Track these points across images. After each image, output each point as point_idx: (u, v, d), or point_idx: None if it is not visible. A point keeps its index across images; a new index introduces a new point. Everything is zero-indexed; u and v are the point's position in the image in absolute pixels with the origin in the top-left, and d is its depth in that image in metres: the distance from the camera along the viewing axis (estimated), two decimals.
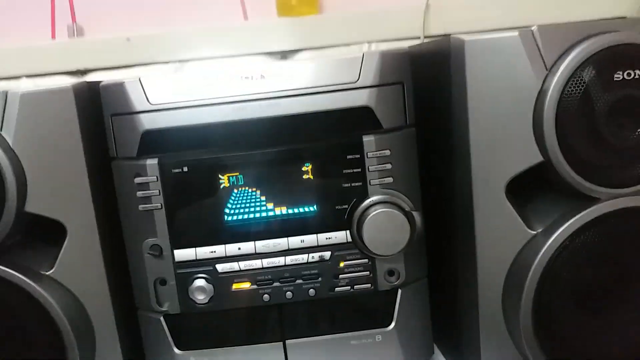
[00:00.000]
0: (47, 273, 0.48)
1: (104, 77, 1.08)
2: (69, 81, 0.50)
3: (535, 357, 0.46)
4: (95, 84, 0.50)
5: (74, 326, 0.47)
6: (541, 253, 0.44)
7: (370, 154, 0.48)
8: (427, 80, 0.51)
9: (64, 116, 0.47)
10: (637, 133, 0.43)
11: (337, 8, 1.16)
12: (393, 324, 0.51)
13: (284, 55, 1.10)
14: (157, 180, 0.47)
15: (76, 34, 1.14)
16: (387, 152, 0.48)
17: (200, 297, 0.48)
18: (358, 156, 0.48)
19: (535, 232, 0.46)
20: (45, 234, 0.49)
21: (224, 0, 1.14)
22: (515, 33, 0.44)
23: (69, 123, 0.47)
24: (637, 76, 0.42)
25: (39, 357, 0.48)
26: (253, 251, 0.48)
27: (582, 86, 0.42)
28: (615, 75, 0.42)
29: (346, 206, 0.48)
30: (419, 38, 1.07)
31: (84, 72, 1.10)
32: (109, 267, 0.49)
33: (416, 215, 0.47)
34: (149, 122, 0.47)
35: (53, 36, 1.15)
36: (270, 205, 0.48)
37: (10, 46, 1.09)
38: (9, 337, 0.49)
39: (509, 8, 1.09)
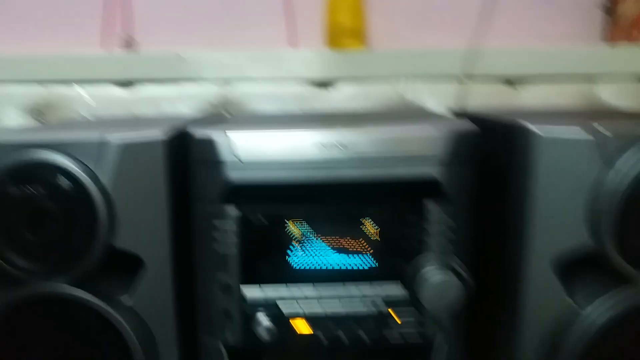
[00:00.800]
0: (125, 302, 0.52)
1: (153, 90, 1.11)
2: (159, 133, 0.51)
3: None
4: (185, 133, 0.53)
5: (145, 350, 0.51)
6: (584, 326, 0.47)
7: (432, 219, 0.50)
8: (492, 154, 0.54)
9: (153, 161, 0.50)
10: None
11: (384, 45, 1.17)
12: None
13: (327, 85, 1.12)
14: (235, 226, 0.50)
15: (128, 46, 1.16)
16: (450, 221, 0.50)
17: (265, 335, 0.51)
18: (420, 219, 0.50)
19: (579, 308, 0.48)
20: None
21: (273, 26, 1.16)
22: (586, 136, 0.45)
23: (157, 168, 0.50)
24: None
25: None
26: (315, 295, 0.51)
27: None
28: None
29: (406, 263, 0.50)
30: (457, 79, 1.09)
31: (132, 83, 1.12)
32: (176, 300, 0.53)
33: (470, 281, 0.49)
34: (235, 174, 0.50)
35: (103, 46, 1.17)
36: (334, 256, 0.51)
37: (63, 53, 1.12)
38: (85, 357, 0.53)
39: (542, 62, 1.11)
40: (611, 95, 1.14)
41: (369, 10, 1.16)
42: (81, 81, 1.12)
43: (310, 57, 1.12)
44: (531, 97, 1.13)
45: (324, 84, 1.13)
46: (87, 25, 1.16)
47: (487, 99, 1.12)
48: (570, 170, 0.46)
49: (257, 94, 1.13)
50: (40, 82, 1.13)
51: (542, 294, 0.49)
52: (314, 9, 1.14)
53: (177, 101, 1.13)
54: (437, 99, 1.11)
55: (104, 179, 0.49)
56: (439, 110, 1.09)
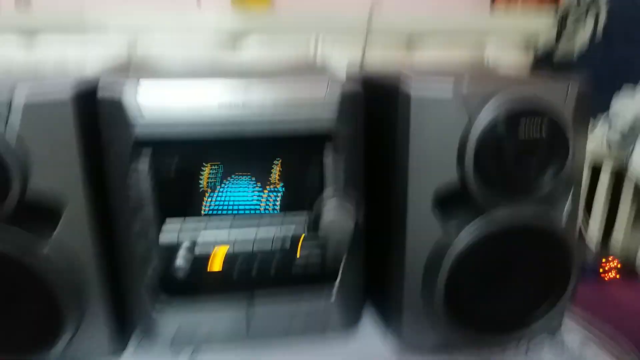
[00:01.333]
0: (43, 250, 0.53)
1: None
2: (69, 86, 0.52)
3: (444, 319, 0.58)
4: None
5: (67, 291, 0.54)
6: (453, 252, 0.55)
7: (327, 165, 0.56)
8: (375, 107, 0.60)
9: (62, 125, 0.51)
10: (528, 168, 0.54)
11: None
12: (333, 297, 0.61)
13: (235, 45, 1.14)
14: (147, 170, 0.53)
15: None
16: (340, 165, 0.57)
17: (181, 273, 0.55)
18: (319, 165, 0.56)
19: (450, 233, 0.56)
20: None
21: None
22: (450, 93, 0.53)
23: (67, 131, 0.51)
24: (533, 128, 0.53)
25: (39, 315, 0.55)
26: (227, 237, 0.56)
27: (495, 131, 0.52)
28: (519, 127, 0.52)
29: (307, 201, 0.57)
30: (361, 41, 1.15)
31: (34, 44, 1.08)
32: (97, 238, 0.55)
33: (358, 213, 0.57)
34: (142, 131, 0.52)
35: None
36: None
37: None
38: (9, 302, 0.54)
39: (435, 27, 1.20)
40: (494, 58, 1.26)
41: None
42: None
43: (218, 17, 1.13)
44: (424, 60, 1.22)
45: (232, 43, 1.15)
46: None
47: (386, 58, 1.19)
48: (443, 123, 0.53)
49: (165, 56, 1.13)
50: None
51: (422, 226, 0.56)
52: None
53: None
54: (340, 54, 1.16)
55: (12, 135, 0.50)
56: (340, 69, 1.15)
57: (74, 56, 1.09)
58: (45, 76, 0.61)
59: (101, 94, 0.53)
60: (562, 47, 1.19)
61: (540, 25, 1.23)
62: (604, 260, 0.86)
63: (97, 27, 1.10)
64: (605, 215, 1.06)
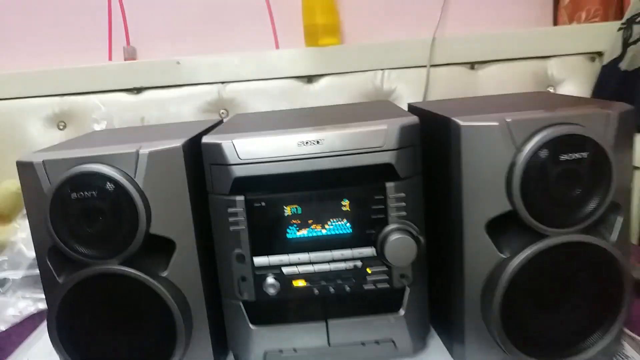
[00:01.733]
0: (163, 275, 0.65)
1: (156, 95, 1.23)
2: (180, 139, 0.65)
3: (502, 340, 0.61)
4: (201, 137, 0.66)
5: (181, 311, 0.64)
6: (507, 270, 0.59)
7: (390, 195, 0.64)
8: (432, 139, 0.67)
9: (175, 165, 0.63)
10: (574, 193, 0.59)
11: (357, 39, 1.30)
12: (402, 311, 0.67)
13: (309, 79, 1.25)
14: (243, 210, 0.64)
15: (130, 56, 1.29)
16: (402, 194, 0.64)
17: (271, 290, 0.65)
18: (382, 197, 0.64)
19: (504, 256, 0.61)
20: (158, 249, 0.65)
21: (258, 30, 1.29)
22: (496, 122, 0.59)
23: (179, 170, 0.63)
24: (576, 156, 0.58)
25: (157, 332, 0.65)
26: (308, 260, 0.65)
27: (539, 162, 0.58)
28: (561, 156, 0.58)
29: (373, 231, 0.65)
30: (425, 67, 1.23)
31: (139, 90, 1.26)
32: (202, 270, 0.66)
33: (421, 239, 0.64)
34: (239, 171, 0.63)
35: (110, 58, 1.30)
36: (319, 228, 0.65)
37: (74, 66, 1.24)
38: (135, 319, 0.66)
39: (500, 43, 1.25)
40: (559, 71, 1.28)
41: (341, 8, 1.29)
42: (94, 92, 1.25)
43: (293, 55, 1.25)
44: (489, 77, 1.27)
45: (306, 78, 1.26)
46: (95, 41, 1.29)
47: (451, 81, 1.26)
48: (491, 154, 0.59)
49: (249, 91, 1.26)
50: (59, 94, 1.26)
51: (479, 250, 0.62)
52: (292, 12, 1.26)
53: (179, 102, 1.26)
54: (406, 85, 1.25)
55: (140, 182, 0.62)
56: (405, 95, 1.23)
57: (174, 110, 1.24)
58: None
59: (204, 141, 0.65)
60: (629, 55, 1.19)
61: (605, 35, 1.24)
62: None
63: (190, 78, 1.23)
64: None
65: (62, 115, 1.26)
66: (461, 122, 0.60)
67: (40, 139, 1.24)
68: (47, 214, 0.62)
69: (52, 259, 0.65)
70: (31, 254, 1.02)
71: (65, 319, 0.65)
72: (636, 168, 1.07)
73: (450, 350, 0.70)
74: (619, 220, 0.63)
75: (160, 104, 1.25)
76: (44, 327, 0.87)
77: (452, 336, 0.68)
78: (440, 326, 0.74)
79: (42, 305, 0.97)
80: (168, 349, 0.65)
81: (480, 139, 0.60)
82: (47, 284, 0.66)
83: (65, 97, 1.26)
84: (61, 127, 1.26)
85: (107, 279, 0.63)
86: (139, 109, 1.25)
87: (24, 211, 1.05)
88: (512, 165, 0.59)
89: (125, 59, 1.30)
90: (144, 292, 0.63)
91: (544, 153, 0.58)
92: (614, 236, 0.63)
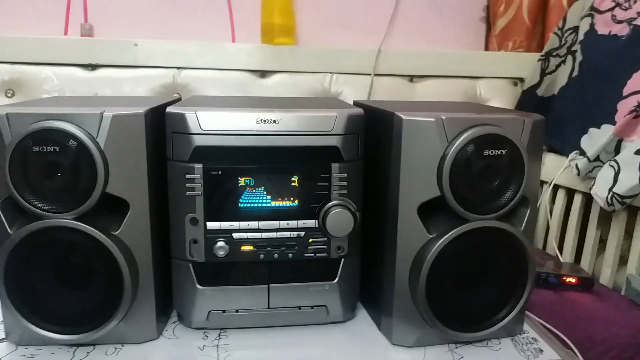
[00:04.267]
0: (115, 233, 0.66)
1: (111, 74, 1.23)
2: (142, 107, 0.66)
3: (427, 314, 0.67)
4: (162, 108, 0.68)
5: (129, 269, 0.65)
6: (433, 249, 0.65)
7: (334, 175, 0.69)
8: (376, 132, 0.72)
9: (136, 130, 0.65)
10: (493, 185, 0.66)
11: (310, 42, 1.35)
12: (337, 279, 0.73)
13: (263, 74, 1.29)
14: (200, 177, 0.67)
15: (87, 34, 1.28)
16: (345, 175, 0.70)
17: (221, 253, 0.68)
18: (327, 175, 0.69)
19: (431, 236, 0.67)
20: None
21: (216, 21, 1.31)
22: (433, 119, 0.65)
23: (139, 135, 0.65)
24: (496, 153, 0.65)
25: (105, 288, 0.66)
26: (257, 227, 0.69)
27: (466, 155, 0.65)
28: (484, 151, 0.65)
29: (317, 205, 0.70)
30: (369, 74, 1.30)
31: (94, 67, 1.24)
32: (153, 231, 0.67)
33: (358, 215, 0.69)
34: (199, 140, 0.66)
35: (66, 33, 1.28)
36: (269, 199, 0.69)
37: (32, 37, 1.21)
38: (84, 274, 0.66)
39: (438, 61, 1.34)
40: (486, 91, 1.39)
41: (298, 11, 1.34)
42: (48, 64, 1.22)
43: (249, 50, 1.28)
44: (425, 89, 1.36)
45: (260, 73, 1.30)
46: (52, 15, 1.26)
47: (391, 89, 1.33)
48: (426, 146, 0.65)
49: (203, 79, 1.28)
50: (10, 62, 1.22)
51: (410, 230, 0.67)
52: (250, 8, 1.30)
53: (133, 83, 1.26)
54: (352, 89, 1.32)
55: (101, 143, 0.63)
56: (350, 97, 1.28)
57: (128, 89, 1.24)
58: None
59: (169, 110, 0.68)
60: (545, 83, 1.32)
61: (527, 64, 1.36)
62: (564, 275, 0.96)
63: (147, 60, 1.24)
64: (577, 237, 1.16)
65: (10, 83, 1.22)
66: (403, 116, 0.67)
67: None
68: (5, 164, 0.62)
69: (5, 211, 0.65)
70: None
71: (13, 271, 0.64)
72: (542, 182, 1.19)
73: (378, 322, 0.76)
74: (528, 212, 0.71)
75: (114, 82, 1.24)
76: None
77: (380, 308, 0.74)
78: (368, 299, 0.80)
79: None
80: (113, 306, 0.66)
81: (418, 132, 0.66)
82: None
83: (16, 66, 1.22)
84: (9, 95, 1.22)
85: (59, 233, 0.64)
86: (92, 85, 1.23)
87: None
88: (444, 156, 0.66)
89: (81, 36, 1.28)
90: (94, 249, 0.64)
91: (470, 148, 0.65)
92: (522, 226, 0.71)
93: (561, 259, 1.14)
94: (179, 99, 0.88)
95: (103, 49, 1.24)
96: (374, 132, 0.73)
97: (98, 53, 1.23)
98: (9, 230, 0.65)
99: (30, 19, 1.26)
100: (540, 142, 0.70)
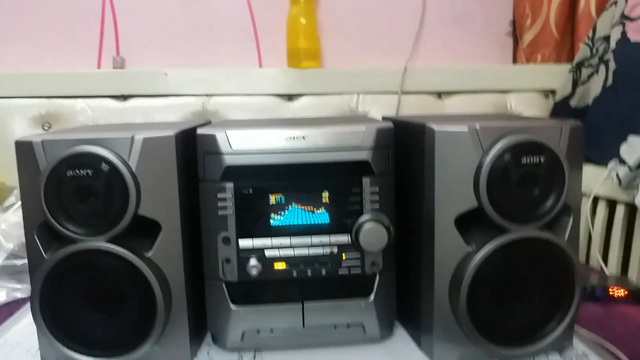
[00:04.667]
0: (147, 255, 0.65)
1: (143, 103, 1.25)
2: (171, 132, 0.66)
3: (469, 330, 0.64)
4: (192, 130, 0.68)
5: (162, 291, 0.64)
6: (474, 262, 0.63)
7: (366, 189, 0.68)
8: (407, 145, 0.71)
9: (167, 152, 0.65)
10: (533, 193, 0.64)
11: (336, 64, 1.35)
12: (372, 296, 0.70)
13: (290, 97, 1.29)
14: (232, 196, 0.66)
15: (119, 66, 1.31)
16: (376, 189, 0.68)
17: (254, 272, 0.67)
18: (359, 190, 0.68)
19: (470, 249, 0.65)
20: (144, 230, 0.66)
21: (243, 48, 1.33)
22: (466, 128, 0.63)
23: (170, 157, 0.65)
24: (535, 160, 0.63)
25: (138, 311, 0.65)
26: (289, 244, 0.68)
27: (503, 164, 0.62)
28: (522, 159, 0.63)
29: (349, 220, 0.68)
30: (396, 93, 1.29)
31: (126, 97, 1.27)
32: (185, 253, 0.67)
33: (391, 229, 0.67)
34: (230, 160, 0.66)
35: (99, 66, 1.31)
36: (301, 216, 0.68)
37: (62, 71, 1.25)
38: (117, 297, 0.65)
39: (465, 76, 1.32)
40: (517, 104, 1.36)
41: (322, 35, 1.34)
42: (82, 96, 1.26)
43: (276, 75, 1.29)
44: (454, 106, 1.34)
45: (287, 97, 1.30)
46: (85, 48, 1.30)
47: (419, 107, 1.32)
48: (460, 156, 0.63)
49: (232, 105, 1.29)
50: (46, 97, 1.26)
51: (448, 243, 0.65)
52: (276, 34, 1.32)
53: (164, 111, 1.28)
54: (379, 109, 1.31)
55: (133, 165, 0.63)
56: (378, 117, 1.27)
57: (159, 118, 1.26)
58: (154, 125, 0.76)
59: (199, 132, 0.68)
60: (578, 94, 1.28)
61: (558, 75, 1.33)
62: (611, 288, 0.91)
63: (176, 89, 1.26)
64: (622, 249, 1.10)
65: (47, 117, 1.26)
66: (435, 128, 0.65)
67: None
68: (41, 190, 0.63)
69: (40, 236, 0.66)
70: (9, 245, 1.00)
71: (49, 295, 0.64)
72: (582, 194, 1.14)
73: (418, 340, 0.73)
74: (571, 222, 0.68)
75: (145, 111, 1.26)
76: (22, 311, 0.86)
77: (419, 326, 0.71)
78: (405, 317, 0.77)
79: (19, 295, 0.95)
80: (146, 329, 0.65)
81: (451, 143, 0.64)
82: (33, 260, 0.66)
83: (53, 100, 1.26)
84: (46, 128, 1.26)
85: (93, 256, 0.64)
86: (124, 115, 1.26)
87: (4, 204, 1.04)
88: (479, 166, 0.63)
89: (114, 68, 1.31)
90: (127, 271, 0.64)
91: (507, 156, 0.63)
92: (566, 236, 0.68)
93: (606, 272, 1.09)
94: (208, 122, 0.89)
95: (134, 80, 1.26)
96: (405, 145, 0.71)
97: (129, 84, 1.26)
98: (44, 255, 0.65)
99: (64, 53, 1.30)
100: (579, 148, 0.67)
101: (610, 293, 0.91)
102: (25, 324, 0.80)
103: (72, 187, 0.63)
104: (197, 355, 0.72)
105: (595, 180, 1.12)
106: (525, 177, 0.63)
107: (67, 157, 0.63)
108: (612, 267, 1.10)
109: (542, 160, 0.63)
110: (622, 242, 1.10)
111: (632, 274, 1.07)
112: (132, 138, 0.64)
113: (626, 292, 0.90)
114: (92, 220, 0.63)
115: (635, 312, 0.87)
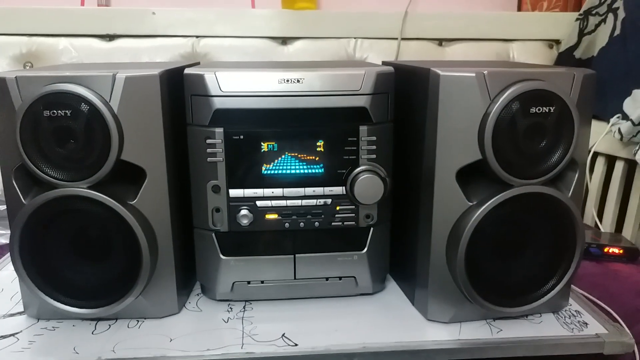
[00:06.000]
0: (131, 202, 0.62)
1: (129, 44, 1.18)
2: (158, 69, 0.61)
3: (465, 287, 0.61)
4: (179, 70, 0.63)
5: (147, 239, 0.61)
6: (474, 217, 0.59)
7: (362, 138, 0.64)
8: (408, 92, 0.66)
9: (151, 93, 0.60)
10: (540, 146, 0.60)
11: (333, 6, 1.27)
12: (365, 249, 0.68)
13: (284, 41, 1.22)
14: (222, 142, 0.62)
15: (105, 3, 1.23)
16: (374, 138, 0.64)
17: (244, 222, 0.64)
18: (355, 139, 0.63)
19: (471, 204, 0.61)
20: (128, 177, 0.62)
21: None
22: (473, 74, 0.58)
23: (154, 98, 0.60)
24: (544, 110, 0.58)
25: (122, 260, 0.62)
26: (281, 194, 0.64)
27: (511, 113, 0.58)
28: (531, 109, 0.58)
29: (345, 170, 0.64)
30: (396, 39, 1.23)
31: (112, 37, 1.19)
32: (172, 200, 0.63)
33: (388, 180, 0.64)
34: (219, 103, 0.61)
35: (82, 3, 1.23)
36: (294, 165, 0.64)
37: (48, 7, 1.17)
38: (100, 246, 0.63)
39: (468, 23, 1.26)
40: (520, 54, 1.30)
41: None
42: (65, 35, 1.18)
43: (270, 16, 1.22)
44: (455, 53, 1.28)
45: (281, 40, 1.23)
46: None
47: (419, 54, 1.26)
48: (466, 104, 0.59)
49: (223, 47, 1.23)
50: (27, 34, 1.18)
51: (448, 197, 0.61)
52: None
53: (152, 53, 1.21)
54: (377, 55, 1.24)
55: (114, 106, 0.58)
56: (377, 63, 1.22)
57: (146, 59, 1.19)
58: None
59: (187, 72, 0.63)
60: (583, 45, 1.23)
61: (564, 24, 1.27)
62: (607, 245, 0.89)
63: (165, 29, 1.18)
64: (618, 206, 1.08)
65: (28, 56, 1.19)
66: (440, 72, 0.60)
67: None
68: (17, 130, 0.58)
69: (18, 181, 0.61)
70: None
71: (29, 242, 0.61)
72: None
73: (411, 296, 0.70)
74: (576, 177, 0.64)
75: (132, 52, 1.19)
76: (6, 257, 0.82)
77: (414, 282, 0.68)
78: (399, 272, 0.75)
79: (3, 240, 0.91)
80: (131, 279, 0.62)
81: (457, 89, 0.59)
82: (12, 206, 0.61)
83: (34, 38, 1.18)
84: (27, 67, 1.19)
85: (74, 203, 0.60)
86: (110, 57, 1.19)
87: None
88: (486, 115, 0.59)
89: (98, 6, 1.23)
90: (110, 219, 0.60)
91: (515, 105, 0.58)
92: (570, 192, 0.64)
93: (601, 229, 1.07)
94: (197, 63, 0.83)
95: (120, 19, 1.19)
96: (406, 92, 0.67)
97: (115, 23, 1.19)
98: (23, 200, 0.61)
99: None
100: (591, 99, 0.63)
101: (605, 251, 0.89)
102: (11, 270, 0.77)
103: (49, 129, 0.58)
104: (186, 306, 0.69)
105: (596, 134, 1.09)
106: (533, 128, 0.59)
107: (44, 96, 0.58)
108: (607, 225, 1.08)
109: (552, 110, 0.59)
110: (620, 199, 1.08)
111: (626, 232, 1.05)
112: (114, 77, 0.59)
113: (621, 250, 0.88)
114: (72, 165, 0.59)
115: (629, 271, 0.85)
